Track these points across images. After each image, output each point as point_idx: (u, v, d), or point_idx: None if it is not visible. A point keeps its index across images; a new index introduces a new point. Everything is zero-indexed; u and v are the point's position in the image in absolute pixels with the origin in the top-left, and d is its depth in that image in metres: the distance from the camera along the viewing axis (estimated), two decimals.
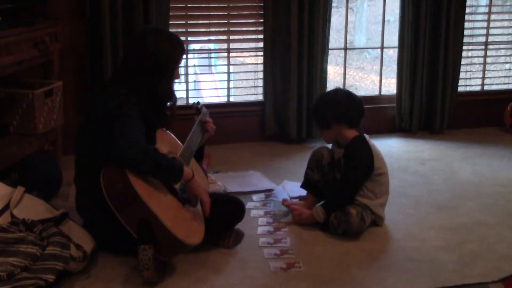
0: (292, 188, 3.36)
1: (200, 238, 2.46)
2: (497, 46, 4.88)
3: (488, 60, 4.86)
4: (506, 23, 5.37)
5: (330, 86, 4.37)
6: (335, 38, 7.87)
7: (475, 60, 5.03)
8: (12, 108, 3.27)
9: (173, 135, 2.80)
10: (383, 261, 2.67)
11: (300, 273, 2.50)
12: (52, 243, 2.34)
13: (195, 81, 5.06)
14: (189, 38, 4.22)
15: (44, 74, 3.58)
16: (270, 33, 4.14)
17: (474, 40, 4.76)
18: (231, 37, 4.29)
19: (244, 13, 4.26)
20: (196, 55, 5.56)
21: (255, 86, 4.40)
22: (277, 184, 3.47)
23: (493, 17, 4.85)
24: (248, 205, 3.16)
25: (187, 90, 4.29)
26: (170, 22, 3.93)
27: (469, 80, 4.96)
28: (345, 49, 4.74)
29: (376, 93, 4.86)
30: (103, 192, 2.33)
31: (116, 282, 2.40)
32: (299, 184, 3.14)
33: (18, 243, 2.31)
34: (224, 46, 4.33)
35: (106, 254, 2.57)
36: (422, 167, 3.87)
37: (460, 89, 4.67)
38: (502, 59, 4.99)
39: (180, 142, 2.77)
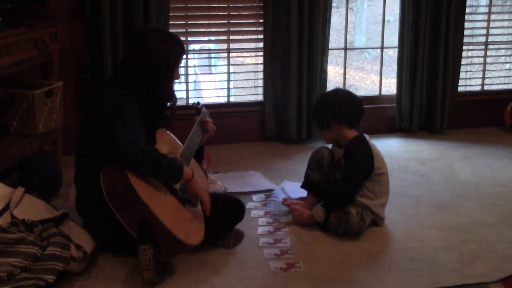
0: (292, 189, 3.36)
1: (200, 238, 2.46)
2: (497, 46, 4.88)
3: (488, 60, 4.86)
4: (506, 23, 5.37)
5: (330, 86, 4.37)
6: (335, 38, 7.87)
7: (475, 60, 5.03)
8: (12, 108, 3.27)
9: (173, 135, 2.80)
10: (383, 261, 2.67)
11: (300, 273, 2.50)
12: (52, 244, 2.34)
13: (195, 81, 5.06)
14: (189, 38, 4.22)
15: (44, 74, 3.57)
16: (270, 33, 4.14)
17: (474, 40, 4.76)
18: (231, 37, 4.29)
19: (244, 13, 4.26)
20: (196, 55, 5.56)
21: (255, 86, 4.40)
22: (277, 185, 3.47)
23: (493, 17, 4.85)
24: (248, 205, 3.16)
25: (187, 90, 4.29)
26: (170, 22, 3.93)
27: (469, 80, 4.96)
28: (345, 49, 4.74)
29: (376, 93, 4.86)
30: (103, 192, 2.33)
31: (116, 282, 2.40)
32: (299, 184, 3.14)
33: (18, 244, 2.31)
34: (224, 46, 4.33)
35: (106, 254, 2.57)
36: (422, 167, 3.87)
37: (460, 89, 4.67)
38: (502, 59, 4.99)
39: (180, 142, 2.77)
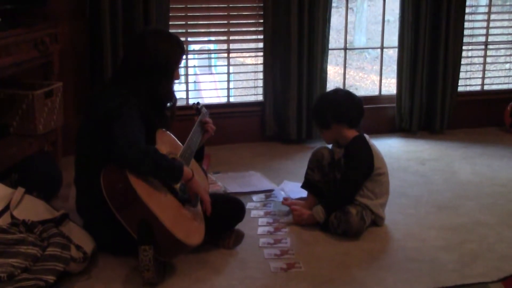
0: (292, 189, 3.36)
1: (200, 238, 2.46)
2: (497, 46, 4.88)
3: (488, 60, 4.86)
4: (506, 23, 5.37)
5: (330, 86, 4.37)
6: (335, 38, 7.87)
7: (475, 60, 5.02)
8: (12, 109, 3.27)
9: (173, 136, 2.80)
10: (383, 261, 2.67)
11: (300, 274, 2.50)
12: (52, 244, 2.35)
13: (195, 82, 5.06)
14: (189, 39, 4.22)
15: (44, 75, 3.57)
16: (270, 33, 4.14)
17: (474, 40, 4.76)
18: (231, 37, 4.29)
19: (244, 13, 4.26)
20: (196, 56, 5.56)
21: (255, 87, 4.40)
22: (277, 185, 3.47)
23: (493, 17, 4.85)
24: (248, 205, 3.16)
25: (187, 90, 4.29)
26: (170, 23, 3.93)
27: (469, 80, 4.96)
28: (345, 49, 4.74)
29: (376, 93, 4.86)
30: (103, 193, 2.33)
31: (116, 283, 2.40)
32: (299, 184, 3.14)
33: (19, 244, 2.31)
34: (224, 46, 4.33)
35: (106, 255, 2.57)
36: (422, 167, 3.87)
37: (460, 89, 4.67)
38: (502, 59, 4.99)
39: (180, 143, 2.77)
